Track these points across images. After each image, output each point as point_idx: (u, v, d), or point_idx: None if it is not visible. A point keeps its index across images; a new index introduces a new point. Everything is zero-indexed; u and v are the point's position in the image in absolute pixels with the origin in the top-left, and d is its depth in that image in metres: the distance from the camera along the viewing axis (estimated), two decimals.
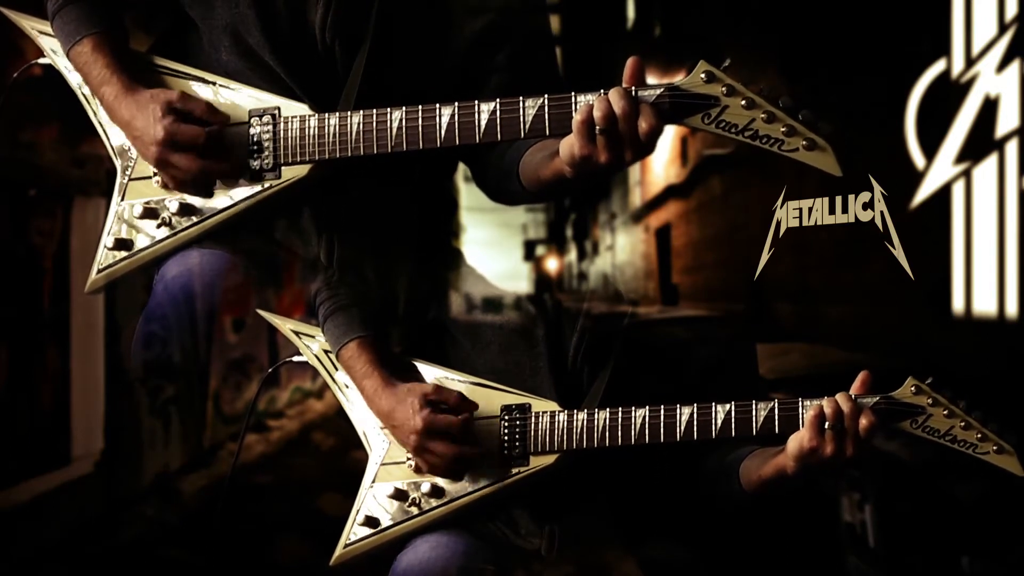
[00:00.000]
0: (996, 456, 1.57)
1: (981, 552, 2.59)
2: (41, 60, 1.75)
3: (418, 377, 1.76)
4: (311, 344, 1.80)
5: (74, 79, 1.71)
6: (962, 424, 1.58)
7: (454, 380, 1.75)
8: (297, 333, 1.81)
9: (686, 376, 1.81)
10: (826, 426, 1.55)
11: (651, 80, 1.50)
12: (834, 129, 1.44)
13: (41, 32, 1.74)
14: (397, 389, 1.71)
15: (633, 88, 1.47)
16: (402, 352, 1.79)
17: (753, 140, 1.46)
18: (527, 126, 1.53)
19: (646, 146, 1.47)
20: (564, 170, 1.54)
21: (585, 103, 1.48)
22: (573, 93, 1.51)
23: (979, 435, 1.57)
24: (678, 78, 1.49)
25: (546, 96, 1.52)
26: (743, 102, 1.45)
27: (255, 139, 1.65)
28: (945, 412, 1.58)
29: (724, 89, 1.45)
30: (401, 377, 1.73)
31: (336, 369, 1.78)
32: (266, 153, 1.65)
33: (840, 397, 1.58)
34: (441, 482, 1.72)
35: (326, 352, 1.79)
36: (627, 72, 1.49)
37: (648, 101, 1.46)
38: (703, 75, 1.46)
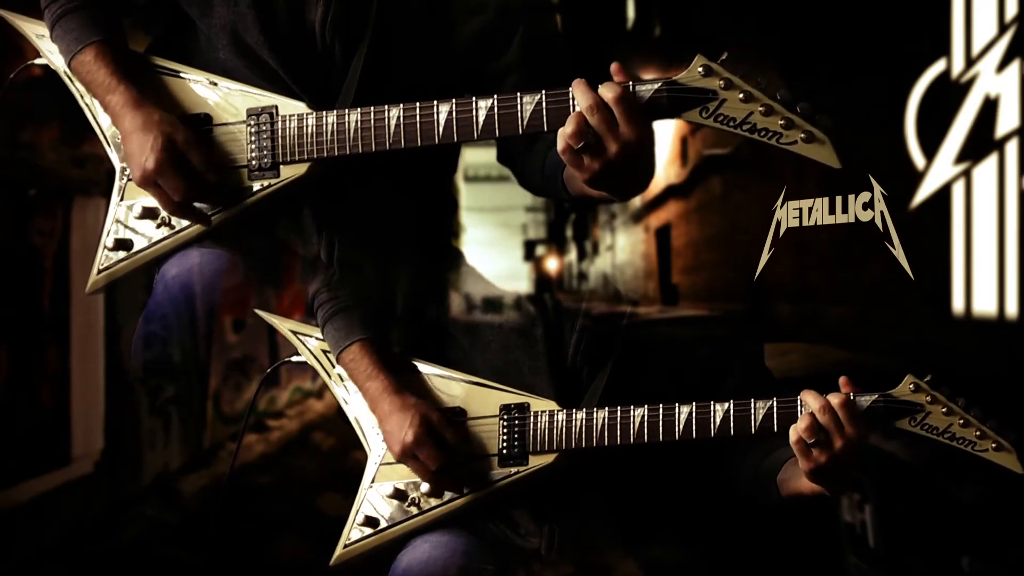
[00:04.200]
0: (995, 453, 1.57)
1: (981, 552, 2.59)
2: (38, 60, 1.75)
3: (420, 380, 1.76)
4: (309, 344, 1.80)
5: (70, 80, 1.71)
6: (961, 421, 1.57)
7: (453, 379, 1.75)
8: (295, 333, 1.81)
9: (689, 376, 1.81)
10: (810, 441, 1.55)
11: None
12: (832, 122, 1.44)
13: (38, 34, 1.73)
14: (404, 398, 1.70)
15: (630, 83, 1.47)
16: (402, 352, 1.79)
17: (751, 133, 1.46)
18: (525, 122, 1.53)
19: (629, 133, 1.46)
20: (593, 192, 1.57)
21: (560, 133, 1.47)
22: (571, 88, 1.51)
23: (978, 432, 1.57)
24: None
25: (543, 91, 1.52)
26: (741, 95, 1.45)
27: (253, 138, 1.65)
28: (944, 409, 1.58)
29: (721, 83, 1.45)
30: (409, 385, 1.73)
31: (335, 368, 1.78)
32: (264, 152, 1.65)
33: (809, 399, 1.58)
34: None
35: (325, 352, 1.79)
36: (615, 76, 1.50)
37: (644, 96, 1.46)
38: (700, 69, 1.46)
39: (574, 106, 1.49)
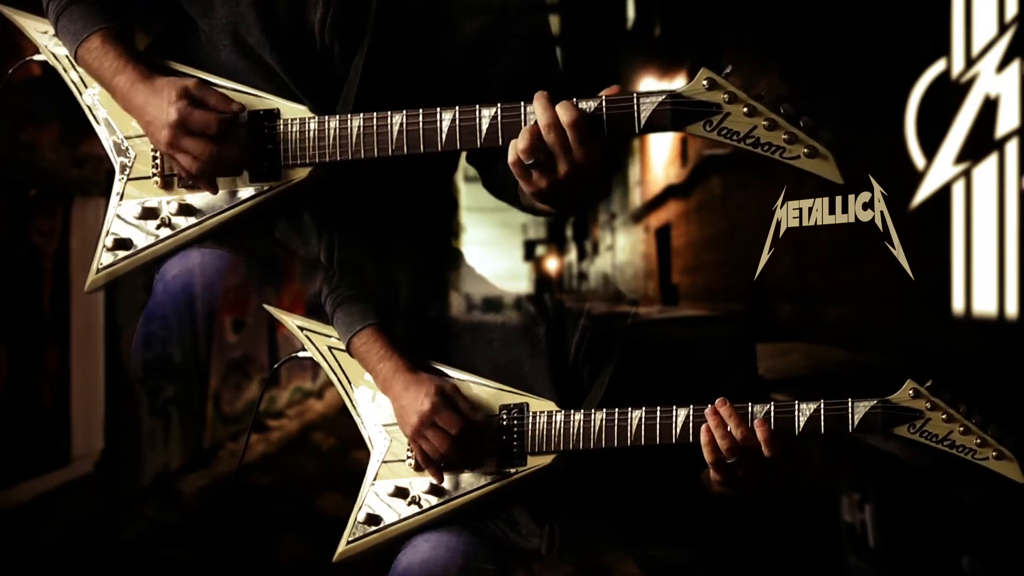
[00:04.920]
0: (995, 462, 1.56)
1: (981, 552, 2.59)
2: (37, 57, 1.74)
3: (429, 364, 1.76)
4: (316, 340, 1.80)
5: (70, 76, 1.71)
6: (961, 429, 1.56)
7: (454, 377, 1.76)
8: (301, 328, 1.81)
9: (686, 376, 1.81)
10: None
11: (652, 83, 1.50)
12: (835, 136, 1.44)
13: (37, 29, 1.73)
14: (418, 375, 1.72)
15: (602, 98, 1.48)
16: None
17: (755, 147, 1.46)
18: None
19: (580, 157, 1.46)
20: (539, 205, 1.57)
21: (512, 145, 1.48)
22: (575, 99, 1.50)
23: (978, 440, 1.56)
24: (678, 83, 1.49)
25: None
26: (745, 109, 1.45)
27: (254, 141, 1.65)
28: (944, 416, 1.57)
29: (726, 96, 1.46)
30: (420, 365, 1.75)
31: (340, 367, 1.79)
32: (266, 155, 1.65)
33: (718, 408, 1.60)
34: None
35: (330, 349, 1.79)
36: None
37: (648, 108, 1.47)
38: (705, 82, 1.46)
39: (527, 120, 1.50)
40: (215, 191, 1.65)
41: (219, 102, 1.62)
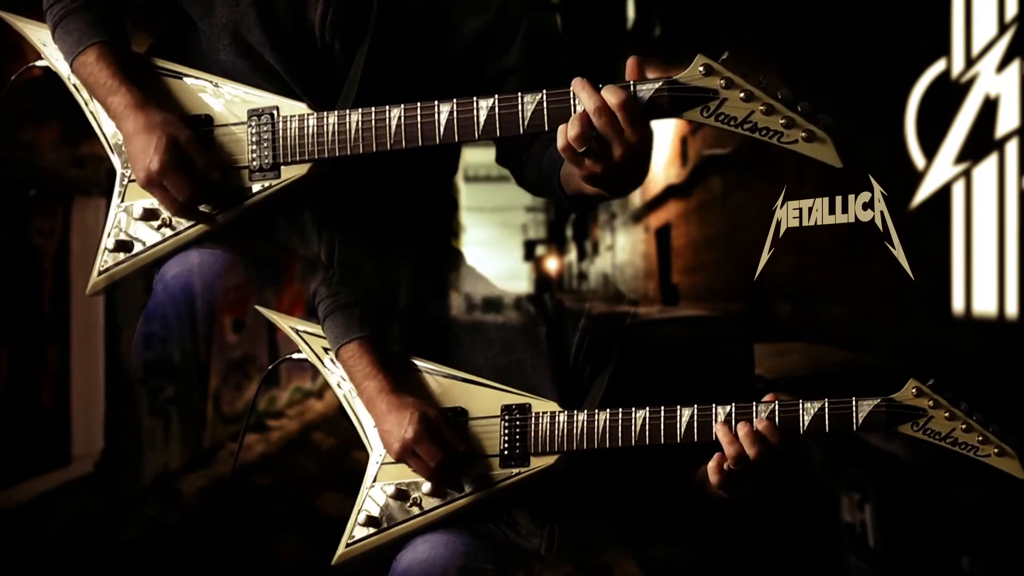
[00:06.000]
0: (997, 459, 1.57)
1: (981, 552, 2.59)
2: (40, 63, 1.75)
3: (420, 380, 1.76)
4: (311, 342, 1.80)
5: (72, 81, 1.71)
6: (963, 427, 1.57)
7: (455, 378, 1.75)
8: (297, 331, 1.81)
9: (686, 376, 1.81)
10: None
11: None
12: (833, 120, 1.44)
13: (42, 41, 1.73)
14: (401, 397, 1.71)
15: (632, 83, 1.48)
16: (402, 351, 1.79)
17: (752, 132, 1.46)
18: (526, 121, 1.54)
19: (633, 137, 1.46)
20: (590, 189, 1.56)
21: (561, 128, 1.47)
22: (571, 88, 1.51)
23: (980, 438, 1.57)
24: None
25: (544, 91, 1.52)
26: (742, 95, 1.45)
27: (254, 139, 1.65)
28: (946, 414, 1.58)
29: (722, 82, 1.46)
30: (406, 384, 1.73)
31: (336, 367, 1.78)
32: (265, 153, 1.65)
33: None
34: None
35: (326, 350, 1.79)
36: (628, 70, 1.49)
37: (645, 96, 1.47)
38: (701, 68, 1.46)
39: (575, 106, 1.49)
40: (211, 223, 1.66)
41: (206, 166, 1.62)
